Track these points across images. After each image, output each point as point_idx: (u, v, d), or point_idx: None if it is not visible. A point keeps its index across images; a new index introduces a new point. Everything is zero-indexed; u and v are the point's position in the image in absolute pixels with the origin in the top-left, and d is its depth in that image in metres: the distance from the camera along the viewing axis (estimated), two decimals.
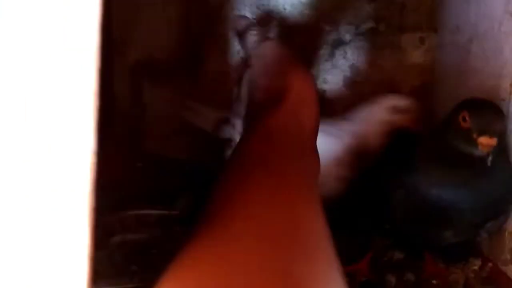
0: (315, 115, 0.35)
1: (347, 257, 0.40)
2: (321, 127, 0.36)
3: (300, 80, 0.35)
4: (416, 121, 0.52)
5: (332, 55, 0.68)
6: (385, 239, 0.47)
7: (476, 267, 0.44)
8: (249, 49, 0.44)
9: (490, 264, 0.44)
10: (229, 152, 0.64)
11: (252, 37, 0.42)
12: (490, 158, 0.35)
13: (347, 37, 0.68)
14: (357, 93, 0.69)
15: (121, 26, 0.71)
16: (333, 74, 0.69)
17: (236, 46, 0.69)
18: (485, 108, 0.38)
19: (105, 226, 0.49)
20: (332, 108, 0.69)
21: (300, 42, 0.68)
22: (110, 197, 0.60)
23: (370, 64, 0.68)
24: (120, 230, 0.49)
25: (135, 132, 0.72)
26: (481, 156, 0.36)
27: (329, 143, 0.49)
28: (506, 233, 0.40)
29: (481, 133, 0.36)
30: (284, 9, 0.68)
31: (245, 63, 0.45)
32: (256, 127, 0.32)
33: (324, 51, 0.68)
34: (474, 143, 0.36)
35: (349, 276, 0.44)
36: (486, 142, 0.35)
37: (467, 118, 0.37)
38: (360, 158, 0.51)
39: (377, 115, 0.54)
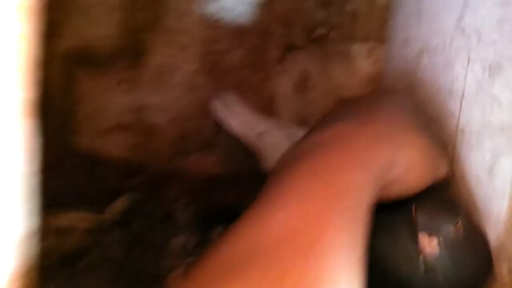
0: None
1: None
2: None
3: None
4: None
5: (283, 59, 0.67)
6: None
7: None
8: None
9: None
10: None
11: None
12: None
13: (299, 42, 0.67)
14: (306, 98, 0.68)
15: (55, 9, 0.64)
16: (283, 78, 0.67)
17: (181, 41, 0.65)
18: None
19: None
20: (281, 111, 0.68)
21: (250, 44, 0.66)
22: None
23: (320, 70, 0.67)
24: (41, 240, 0.42)
25: (65, 128, 0.65)
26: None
27: None
28: None
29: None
30: (235, 8, 0.66)
31: None
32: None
33: (275, 55, 0.67)
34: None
35: None
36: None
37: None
38: None
39: None
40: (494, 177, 0.35)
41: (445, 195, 0.38)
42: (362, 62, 0.67)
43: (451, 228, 0.32)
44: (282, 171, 0.26)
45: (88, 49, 0.65)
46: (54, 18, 0.64)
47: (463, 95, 0.41)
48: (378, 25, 0.66)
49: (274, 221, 0.23)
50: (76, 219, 0.48)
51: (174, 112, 0.66)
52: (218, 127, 0.66)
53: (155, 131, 0.67)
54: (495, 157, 0.35)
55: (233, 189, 0.62)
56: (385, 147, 0.29)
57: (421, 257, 0.31)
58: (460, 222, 0.33)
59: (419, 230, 0.32)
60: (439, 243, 0.31)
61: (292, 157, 0.27)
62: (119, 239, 0.48)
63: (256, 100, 0.67)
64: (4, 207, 0.15)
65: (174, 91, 0.66)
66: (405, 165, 0.30)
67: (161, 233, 0.51)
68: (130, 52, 0.65)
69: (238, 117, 0.63)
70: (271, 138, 0.59)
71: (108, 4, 0.64)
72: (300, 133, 0.61)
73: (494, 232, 0.34)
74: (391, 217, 0.34)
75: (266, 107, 0.67)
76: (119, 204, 0.56)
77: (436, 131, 0.41)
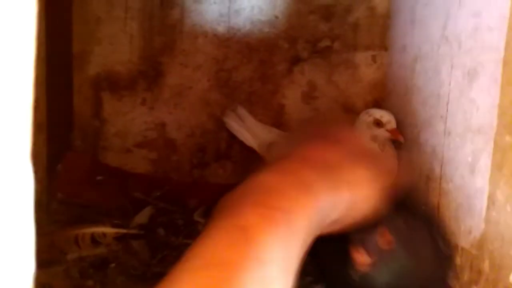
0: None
1: None
2: None
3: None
4: (395, 132, 0.55)
5: (290, 71, 0.71)
6: None
7: None
8: None
9: None
10: None
11: None
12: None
13: (305, 54, 0.71)
14: (314, 107, 0.72)
15: (82, 41, 0.71)
16: (291, 89, 0.71)
17: (196, 61, 0.71)
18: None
19: (60, 243, 0.49)
20: (290, 120, 0.72)
21: (259, 59, 0.71)
22: (68, 211, 0.60)
23: (326, 80, 0.71)
24: (75, 248, 0.49)
25: (95, 145, 0.72)
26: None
27: None
28: None
29: None
30: (244, 26, 0.71)
31: None
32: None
33: (282, 67, 0.71)
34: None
35: None
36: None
37: None
38: None
39: (362, 132, 0.57)
40: (475, 176, 0.38)
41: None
42: (366, 70, 0.70)
43: (377, 238, 0.34)
44: (215, 219, 0.26)
45: (112, 74, 0.72)
46: (83, 47, 0.71)
47: (448, 99, 0.44)
48: (380, 33, 0.70)
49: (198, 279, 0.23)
50: (107, 227, 0.54)
51: (192, 127, 0.72)
52: (233, 139, 0.71)
53: (176, 145, 0.72)
54: (475, 158, 0.38)
55: None
56: (311, 195, 0.27)
57: (354, 269, 0.34)
58: (384, 230, 0.34)
59: (351, 246, 0.34)
60: (369, 253, 0.34)
61: (226, 205, 0.26)
62: (145, 244, 0.53)
63: (267, 111, 0.71)
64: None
65: (191, 108, 0.71)
66: (345, 205, 0.29)
67: (182, 238, 0.56)
68: (150, 74, 0.72)
69: (250, 129, 0.67)
70: (281, 147, 0.63)
71: (128, 32, 0.71)
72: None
73: (477, 229, 0.37)
74: (339, 244, 0.36)
75: (276, 117, 0.72)
76: (146, 213, 0.62)
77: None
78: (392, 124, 0.56)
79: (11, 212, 0.15)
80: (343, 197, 0.29)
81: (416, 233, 0.35)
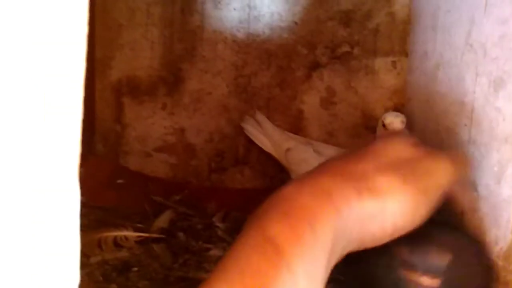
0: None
1: None
2: None
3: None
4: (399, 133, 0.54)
5: (309, 76, 0.71)
6: None
7: None
8: None
9: None
10: None
11: None
12: None
13: (324, 60, 0.71)
14: (333, 113, 0.72)
15: (104, 46, 0.72)
16: (310, 95, 0.72)
17: (215, 67, 0.71)
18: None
19: (83, 246, 0.49)
20: (308, 126, 0.72)
21: (278, 65, 0.71)
22: (90, 214, 0.61)
23: (345, 86, 0.71)
24: (98, 251, 0.50)
25: (116, 149, 0.73)
26: None
27: None
28: None
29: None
30: (264, 32, 0.71)
31: None
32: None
33: (301, 73, 0.71)
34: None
35: None
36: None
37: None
38: None
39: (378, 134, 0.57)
40: (502, 186, 0.37)
41: (433, 230, 0.34)
42: (385, 76, 0.70)
43: (446, 265, 0.33)
44: (245, 231, 0.26)
45: (133, 79, 0.73)
46: (105, 53, 0.73)
47: (473, 107, 0.43)
48: (400, 39, 0.69)
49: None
50: (130, 231, 0.54)
51: (211, 132, 0.73)
52: (251, 145, 0.71)
53: (195, 150, 0.73)
54: (502, 167, 0.38)
55: None
56: (329, 204, 0.27)
57: None
58: (452, 259, 0.34)
59: (420, 274, 0.33)
60: (431, 275, 0.33)
61: (254, 218, 0.27)
62: (166, 248, 0.54)
63: (285, 116, 0.71)
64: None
65: (210, 113, 0.72)
66: (369, 212, 0.28)
67: (202, 243, 0.57)
68: (170, 80, 0.72)
69: (268, 135, 0.68)
70: (299, 153, 0.63)
71: (149, 39, 0.72)
72: (324, 149, 0.65)
73: (504, 239, 0.37)
74: (380, 262, 0.35)
75: (295, 123, 0.72)
76: (166, 217, 0.62)
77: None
78: (393, 126, 0.54)
79: (59, 223, 0.16)
80: (364, 203, 0.28)
81: (464, 249, 0.34)
